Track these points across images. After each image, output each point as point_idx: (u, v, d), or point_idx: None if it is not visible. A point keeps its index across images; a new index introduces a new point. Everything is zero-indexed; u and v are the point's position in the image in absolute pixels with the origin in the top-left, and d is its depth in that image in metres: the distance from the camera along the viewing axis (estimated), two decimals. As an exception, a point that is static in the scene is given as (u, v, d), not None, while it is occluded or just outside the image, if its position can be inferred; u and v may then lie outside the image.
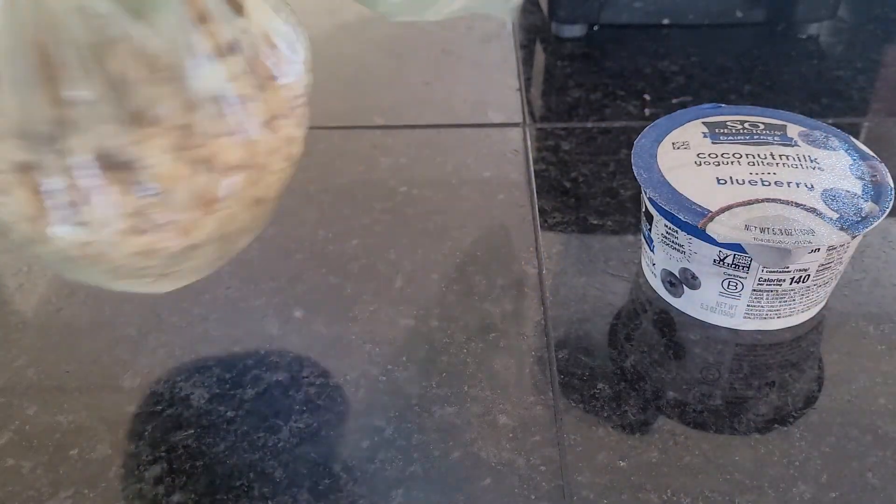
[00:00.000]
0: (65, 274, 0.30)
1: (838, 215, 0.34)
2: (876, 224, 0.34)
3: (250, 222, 0.30)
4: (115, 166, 0.26)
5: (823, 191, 0.35)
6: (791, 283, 0.35)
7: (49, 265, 0.30)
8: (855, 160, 0.37)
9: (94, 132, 0.25)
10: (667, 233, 0.37)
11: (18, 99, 0.25)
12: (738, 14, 0.64)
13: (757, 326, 0.37)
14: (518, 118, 0.55)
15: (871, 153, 0.38)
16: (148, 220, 0.27)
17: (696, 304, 0.38)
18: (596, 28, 0.66)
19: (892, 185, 0.36)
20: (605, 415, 0.34)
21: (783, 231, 0.33)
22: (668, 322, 0.38)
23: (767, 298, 0.36)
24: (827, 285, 0.37)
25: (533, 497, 0.31)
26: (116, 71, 0.25)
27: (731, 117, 0.41)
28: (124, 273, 0.29)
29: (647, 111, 0.55)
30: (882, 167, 0.37)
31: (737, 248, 0.34)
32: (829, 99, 0.56)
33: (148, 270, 0.29)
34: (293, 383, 0.36)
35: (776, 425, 0.33)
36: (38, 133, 0.25)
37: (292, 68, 0.29)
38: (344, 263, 0.42)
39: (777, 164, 0.37)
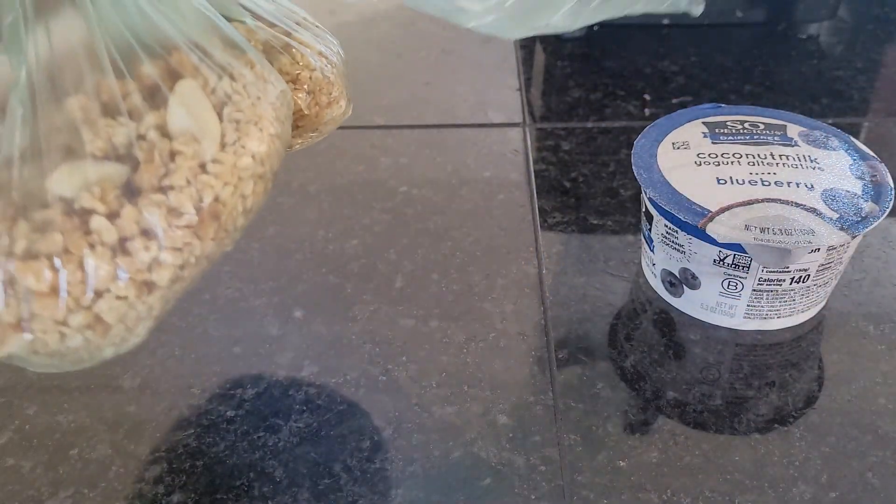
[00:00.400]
0: None
1: (838, 215, 0.34)
2: (876, 224, 0.34)
3: (85, 343, 0.26)
4: None
5: (823, 191, 0.35)
6: (791, 283, 0.35)
7: None
8: (855, 160, 0.37)
9: None
10: (667, 233, 0.37)
11: None
12: (738, 14, 0.64)
13: (757, 326, 0.37)
14: (518, 118, 0.55)
15: (871, 153, 0.38)
16: None
17: (696, 304, 0.38)
18: (596, 28, 0.66)
19: (892, 185, 0.36)
20: (605, 415, 0.34)
21: (783, 231, 0.33)
22: (668, 322, 0.38)
23: (767, 298, 0.36)
24: (827, 285, 0.37)
25: (533, 497, 0.31)
26: None
27: (731, 117, 0.41)
28: None
29: (647, 111, 0.55)
30: (882, 167, 0.37)
31: (737, 248, 0.34)
32: (829, 99, 0.56)
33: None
34: (293, 383, 0.36)
35: (776, 425, 0.33)
36: None
37: (197, 179, 0.25)
38: (344, 263, 0.42)
39: (777, 164, 0.37)
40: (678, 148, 0.39)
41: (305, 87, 0.31)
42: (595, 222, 0.45)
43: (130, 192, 0.24)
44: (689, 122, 0.41)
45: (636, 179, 0.37)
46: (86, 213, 0.24)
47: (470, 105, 0.56)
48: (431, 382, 0.36)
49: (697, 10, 0.31)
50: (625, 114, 0.55)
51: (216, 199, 0.26)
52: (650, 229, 0.38)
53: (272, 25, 0.30)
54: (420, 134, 0.53)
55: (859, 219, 0.34)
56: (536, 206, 0.46)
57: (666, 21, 0.64)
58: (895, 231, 0.44)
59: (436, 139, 0.53)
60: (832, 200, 0.35)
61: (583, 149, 0.51)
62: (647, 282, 0.41)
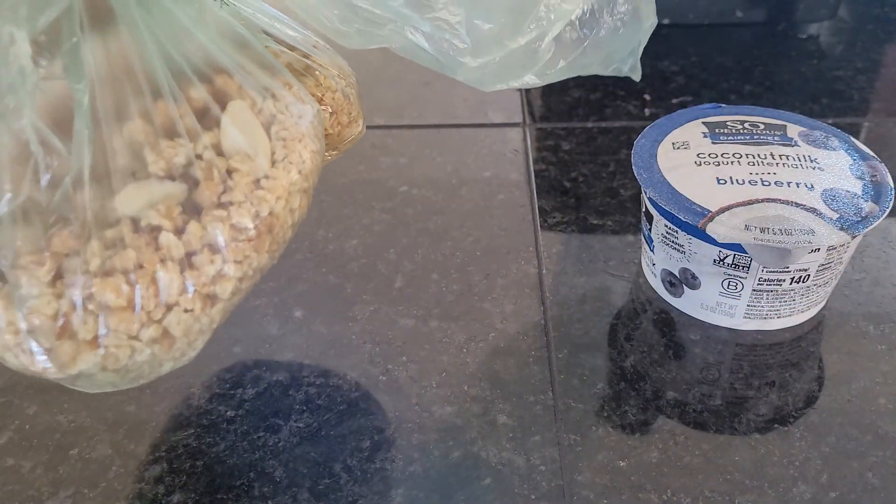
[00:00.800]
0: None
1: (838, 215, 0.34)
2: (876, 224, 0.34)
3: (151, 358, 0.26)
4: (3, 282, 0.24)
5: (823, 191, 0.35)
6: (791, 283, 0.35)
7: None
8: (855, 160, 0.37)
9: None
10: (667, 233, 0.37)
11: None
12: (738, 14, 0.64)
13: (757, 326, 0.37)
14: (518, 118, 0.55)
15: (871, 153, 0.38)
16: (26, 344, 0.25)
17: (696, 304, 0.38)
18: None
19: (892, 185, 0.36)
20: (605, 415, 0.34)
21: (783, 231, 0.33)
22: (668, 322, 0.38)
23: (767, 298, 0.36)
24: (827, 285, 0.37)
25: (533, 497, 0.31)
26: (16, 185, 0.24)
27: (731, 117, 0.41)
28: (39, 377, 0.27)
29: (647, 111, 0.55)
30: (882, 167, 0.37)
31: (737, 248, 0.34)
32: (829, 99, 0.56)
33: (61, 380, 0.27)
34: (293, 383, 0.36)
35: (776, 425, 0.33)
36: None
37: (253, 194, 0.26)
38: (344, 263, 0.42)
39: (777, 164, 0.37)
40: (678, 148, 0.39)
41: (329, 107, 0.32)
42: (595, 222, 0.45)
43: (191, 209, 0.25)
44: (689, 122, 0.41)
45: (636, 179, 0.37)
46: (154, 230, 0.25)
47: (470, 105, 0.56)
48: (431, 382, 0.36)
49: (637, 75, 0.35)
50: (625, 114, 0.55)
51: (270, 213, 0.27)
52: (650, 229, 0.38)
53: (292, 49, 0.31)
54: (420, 134, 0.53)
55: (859, 219, 0.34)
56: (536, 206, 0.46)
57: (666, 21, 0.64)
58: (895, 231, 0.44)
59: (436, 139, 0.53)
60: (832, 200, 0.35)
61: (583, 149, 0.51)
62: (647, 282, 0.41)
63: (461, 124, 0.54)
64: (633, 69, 0.37)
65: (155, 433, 0.34)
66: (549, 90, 0.59)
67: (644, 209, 0.39)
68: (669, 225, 0.36)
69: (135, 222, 0.25)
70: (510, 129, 0.54)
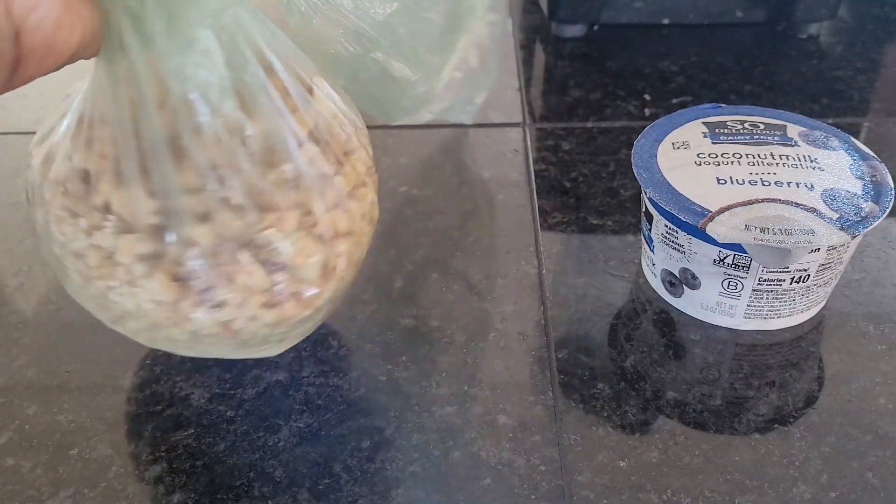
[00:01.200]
0: (186, 351, 0.32)
1: (838, 215, 0.34)
2: (876, 224, 0.34)
3: (348, 283, 0.33)
4: (247, 249, 0.28)
5: (823, 191, 0.35)
6: (791, 283, 0.35)
7: (172, 345, 0.31)
8: (855, 160, 0.37)
9: (218, 221, 0.27)
10: (667, 233, 0.37)
11: (127, 193, 0.27)
12: (738, 14, 0.64)
13: (757, 326, 0.37)
14: (518, 118, 0.55)
15: (871, 153, 0.38)
16: (279, 294, 0.29)
17: (696, 304, 0.38)
18: (596, 28, 0.66)
19: (892, 185, 0.36)
20: (605, 415, 0.34)
21: (783, 231, 0.33)
22: (668, 322, 0.38)
23: (767, 298, 0.36)
24: (827, 285, 0.37)
25: (533, 497, 0.31)
26: (222, 160, 0.27)
27: (731, 117, 0.41)
28: (252, 343, 0.31)
29: (647, 111, 0.55)
30: (882, 167, 0.37)
31: (737, 248, 0.34)
32: (829, 99, 0.56)
33: (272, 338, 0.31)
34: (293, 383, 0.36)
35: (776, 425, 0.33)
36: (148, 225, 0.27)
37: (358, 142, 0.32)
38: (344, 263, 0.42)
39: (777, 164, 0.37)
40: (678, 148, 0.39)
41: None
42: (595, 222, 0.45)
43: (338, 159, 0.30)
44: (689, 122, 0.41)
45: (636, 179, 0.37)
46: (327, 177, 0.29)
47: (470, 105, 0.56)
48: (431, 382, 0.36)
49: (470, 120, 0.44)
50: (625, 114, 0.55)
51: (372, 157, 0.33)
52: (650, 229, 0.38)
53: None
54: (420, 134, 0.53)
55: (859, 219, 0.34)
56: (536, 206, 0.46)
57: (666, 21, 0.64)
58: (895, 231, 0.44)
59: (436, 139, 0.53)
60: (832, 200, 0.35)
61: (583, 149, 0.51)
62: (647, 282, 0.41)
63: (461, 124, 0.54)
64: (468, 114, 0.46)
65: (155, 433, 0.34)
66: (548, 90, 0.59)
67: (644, 209, 0.39)
68: (669, 225, 0.36)
69: (307, 173, 0.29)
70: (510, 129, 0.54)
